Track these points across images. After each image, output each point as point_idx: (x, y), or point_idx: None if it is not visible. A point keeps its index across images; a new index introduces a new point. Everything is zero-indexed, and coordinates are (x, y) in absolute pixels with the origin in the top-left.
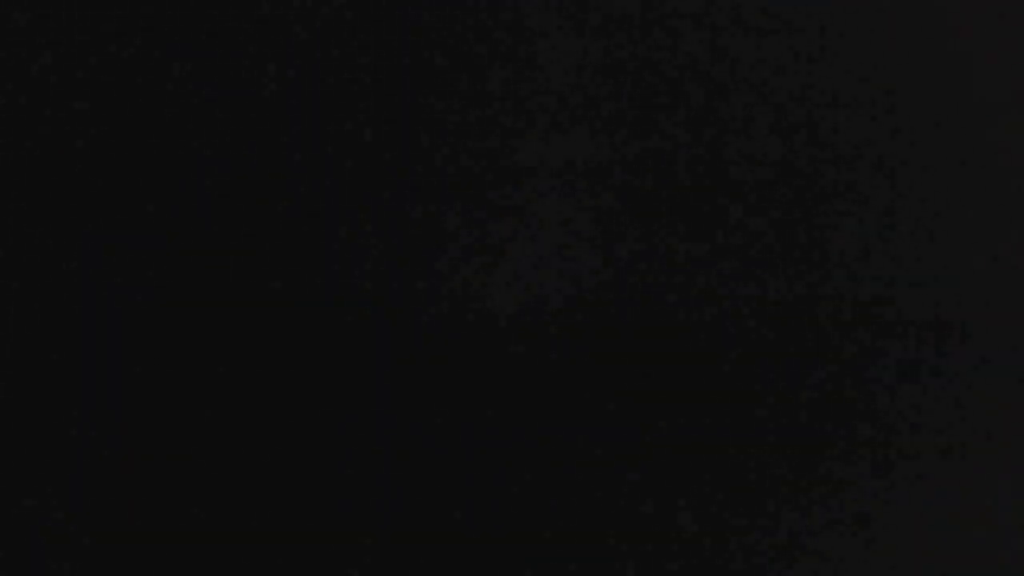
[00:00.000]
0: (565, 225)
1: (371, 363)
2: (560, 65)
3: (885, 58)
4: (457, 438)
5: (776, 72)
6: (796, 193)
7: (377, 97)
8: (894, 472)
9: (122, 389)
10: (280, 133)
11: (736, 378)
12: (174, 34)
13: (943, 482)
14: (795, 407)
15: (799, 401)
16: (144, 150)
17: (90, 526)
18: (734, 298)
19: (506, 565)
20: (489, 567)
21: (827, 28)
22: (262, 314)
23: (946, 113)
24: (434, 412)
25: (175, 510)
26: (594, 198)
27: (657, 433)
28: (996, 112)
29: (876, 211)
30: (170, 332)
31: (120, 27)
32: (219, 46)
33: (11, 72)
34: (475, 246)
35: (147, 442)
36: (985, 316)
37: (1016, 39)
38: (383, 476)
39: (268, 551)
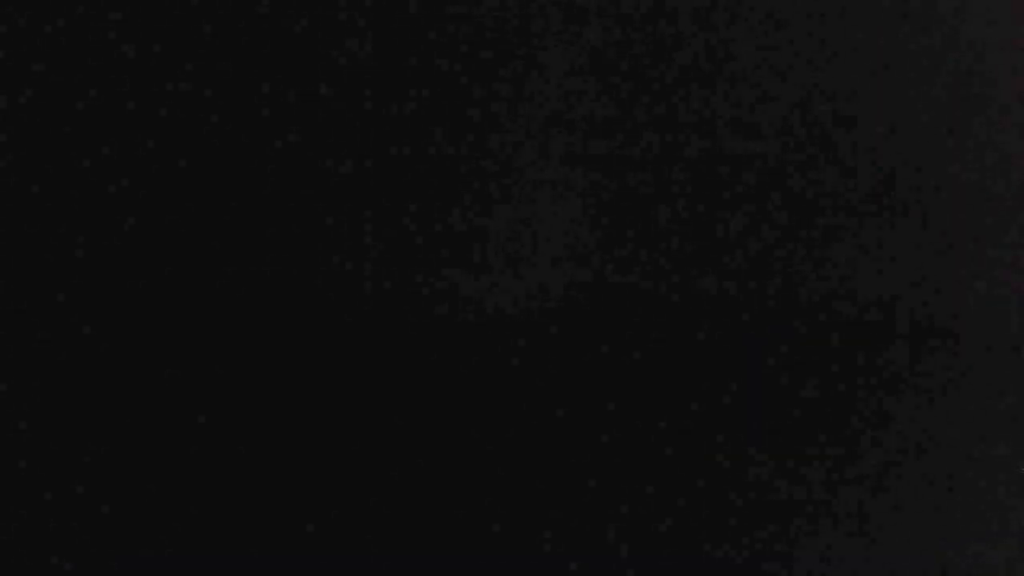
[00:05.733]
0: (565, 225)
1: (371, 362)
2: (561, 65)
3: (884, 58)
4: (456, 437)
5: (776, 72)
6: (796, 193)
7: (377, 98)
8: (893, 472)
9: (122, 391)
10: (280, 133)
11: (736, 378)
12: (174, 34)
13: (942, 481)
14: (793, 407)
15: (797, 401)
16: (144, 150)
17: (90, 526)
18: (734, 298)
19: (505, 564)
20: (488, 566)
21: (827, 28)
22: (262, 314)
23: (946, 113)
24: (433, 411)
25: (175, 510)
26: (594, 198)
27: (657, 432)
28: (996, 112)
29: (876, 211)
30: (170, 331)
31: (120, 27)
32: (219, 46)
33: (11, 72)
34: (475, 246)
35: (147, 442)
36: (984, 317)
37: (1016, 39)
38: (382, 474)
39: (267, 551)
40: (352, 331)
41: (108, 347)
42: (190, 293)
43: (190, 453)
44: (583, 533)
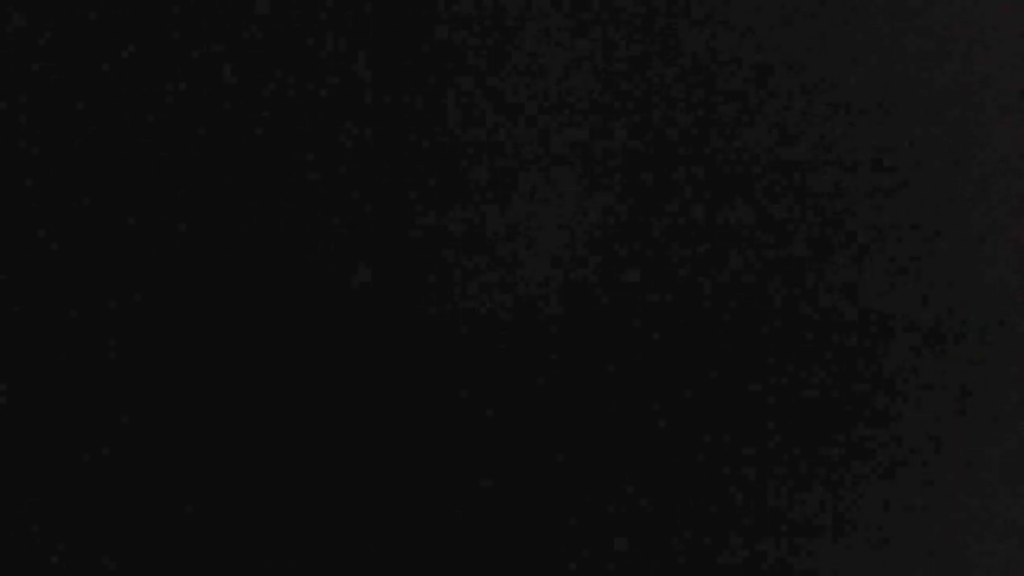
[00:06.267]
0: (564, 225)
1: (370, 362)
2: (561, 66)
3: (884, 58)
4: (456, 437)
5: (776, 72)
6: (796, 193)
7: (377, 98)
8: (894, 472)
9: (122, 391)
10: (280, 133)
11: (735, 378)
12: (175, 34)
13: (943, 482)
14: (794, 407)
15: (798, 401)
16: (144, 151)
17: (90, 526)
18: (734, 298)
19: (504, 564)
20: (487, 566)
21: (827, 28)
22: (262, 314)
23: (946, 113)
24: (433, 411)
25: (175, 510)
26: (594, 198)
27: (656, 432)
28: (996, 112)
29: (876, 211)
30: (170, 331)
31: (121, 27)
32: (219, 46)
33: (11, 72)
34: (475, 246)
35: (147, 442)
36: (985, 317)
37: (1016, 39)
38: (380, 475)
39: (268, 551)
40: (350, 333)
41: (104, 347)
42: (186, 294)
43: (186, 453)
44: (582, 535)
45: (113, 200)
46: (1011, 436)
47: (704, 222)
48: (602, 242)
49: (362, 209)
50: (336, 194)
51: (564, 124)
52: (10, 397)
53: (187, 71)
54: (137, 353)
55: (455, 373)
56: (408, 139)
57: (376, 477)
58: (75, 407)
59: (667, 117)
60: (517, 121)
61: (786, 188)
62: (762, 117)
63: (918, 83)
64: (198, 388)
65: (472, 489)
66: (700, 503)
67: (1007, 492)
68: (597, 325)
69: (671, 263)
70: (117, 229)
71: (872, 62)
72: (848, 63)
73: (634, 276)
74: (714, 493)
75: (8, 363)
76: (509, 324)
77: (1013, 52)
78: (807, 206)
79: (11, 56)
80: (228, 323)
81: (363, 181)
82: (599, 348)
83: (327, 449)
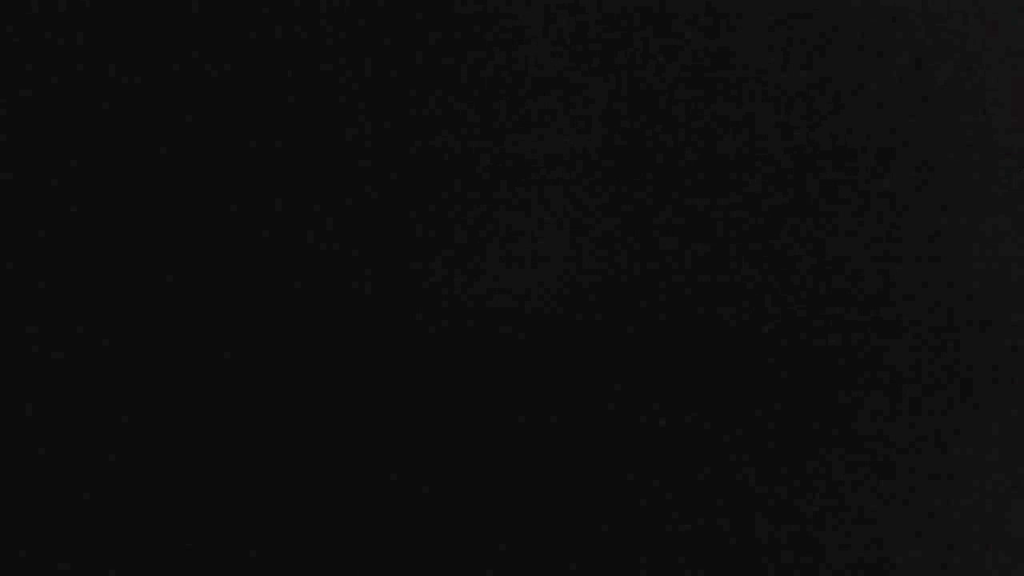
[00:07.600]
0: (563, 224)
1: (369, 361)
2: (559, 65)
3: (885, 58)
4: (456, 437)
5: (775, 71)
6: (795, 192)
7: (376, 98)
8: (894, 472)
9: (121, 390)
10: (279, 133)
11: (735, 378)
12: (175, 34)
13: (943, 483)
14: (794, 407)
15: (798, 401)
16: (145, 151)
17: (90, 526)
18: (733, 298)
19: (501, 564)
20: (484, 566)
21: (827, 27)
22: (261, 314)
23: (947, 113)
24: (432, 411)
25: (175, 510)
26: (593, 197)
27: (655, 434)
28: (996, 112)
29: (876, 211)
30: (170, 331)
31: (121, 27)
32: (219, 46)
33: (11, 72)
34: (474, 246)
35: (147, 442)
36: (984, 319)
37: (1016, 39)
38: (380, 475)
39: (268, 551)
40: (351, 332)
41: (108, 347)
42: (189, 293)
43: (188, 453)
44: (583, 534)
45: (111, 201)
46: (1012, 437)
47: (704, 222)
48: (601, 242)
49: (362, 209)
50: (336, 194)
51: (563, 124)
52: (10, 397)
53: (187, 70)
54: (135, 353)
55: (454, 373)
56: (408, 140)
57: (373, 477)
58: (73, 408)
59: (666, 117)
60: (516, 121)
61: (786, 188)
62: (762, 117)
63: (918, 83)
64: (199, 389)
65: (469, 490)
66: (699, 503)
67: (1008, 493)
68: (597, 325)
69: (669, 263)
70: (114, 230)
71: (873, 61)
72: (847, 62)
73: (633, 276)
74: (713, 494)
75: (8, 363)
76: (507, 324)
77: (1013, 52)
78: (807, 206)
79: (11, 56)
80: (228, 323)
81: (363, 181)
82: (599, 348)
83: (324, 448)
